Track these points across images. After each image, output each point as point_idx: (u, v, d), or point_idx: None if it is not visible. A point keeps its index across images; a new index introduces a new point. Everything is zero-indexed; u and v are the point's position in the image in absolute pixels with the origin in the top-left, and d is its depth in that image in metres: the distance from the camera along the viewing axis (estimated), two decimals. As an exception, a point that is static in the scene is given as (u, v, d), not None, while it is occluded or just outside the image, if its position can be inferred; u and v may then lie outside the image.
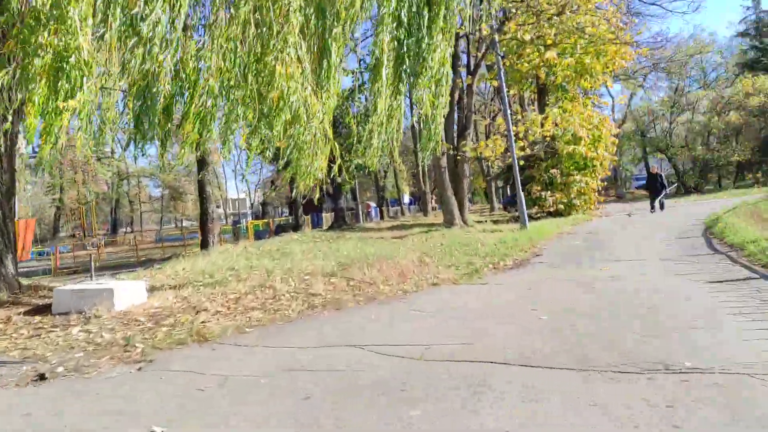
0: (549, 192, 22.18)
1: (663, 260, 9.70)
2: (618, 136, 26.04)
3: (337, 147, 7.08)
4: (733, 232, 11.96)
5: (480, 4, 15.61)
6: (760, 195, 28.64)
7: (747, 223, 15.03)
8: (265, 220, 41.93)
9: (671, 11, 28.09)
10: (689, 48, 40.13)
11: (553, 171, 22.44)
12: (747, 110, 34.87)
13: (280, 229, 29.80)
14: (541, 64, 21.08)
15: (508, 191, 44.89)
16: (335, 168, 7.26)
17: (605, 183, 23.74)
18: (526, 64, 21.08)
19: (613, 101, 40.59)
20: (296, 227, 28.37)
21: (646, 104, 42.48)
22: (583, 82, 22.44)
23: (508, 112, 17.87)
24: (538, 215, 22.51)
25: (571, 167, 22.94)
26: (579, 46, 21.16)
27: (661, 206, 22.06)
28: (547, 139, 21.42)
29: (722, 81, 40.95)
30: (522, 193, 17.60)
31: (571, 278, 8.56)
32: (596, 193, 23.35)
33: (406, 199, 68.08)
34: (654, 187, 22.48)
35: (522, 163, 19.11)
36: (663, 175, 24.08)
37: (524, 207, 17.16)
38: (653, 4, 19.47)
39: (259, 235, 26.12)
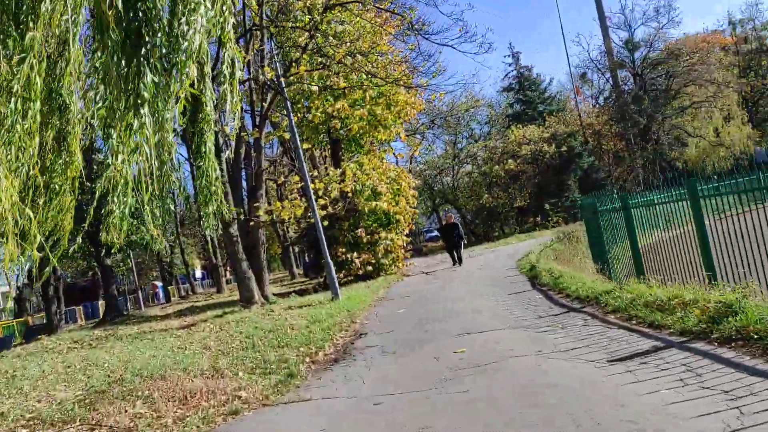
0: (355, 253, 20.25)
1: (521, 329, 7.86)
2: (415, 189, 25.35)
3: (33, 219, 3.98)
4: (571, 281, 10.78)
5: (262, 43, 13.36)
6: (547, 236, 29.91)
7: (562, 268, 14.33)
8: (22, 319, 34.49)
9: (463, 52, 28.61)
10: (461, 104, 42.40)
11: (357, 230, 20.62)
12: (522, 158, 37.21)
13: (32, 333, 23.80)
14: (334, 114, 19.40)
15: (306, 257, 42.77)
16: (29, 254, 4.13)
17: (409, 238, 22.53)
18: (319, 115, 19.25)
19: (396, 158, 41.14)
20: (51, 328, 22.71)
21: (430, 158, 43.80)
22: (377, 134, 21.23)
23: (305, 166, 15.65)
24: (346, 279, 20.40)
25: (375, 225, 21.40)
26: (369, 96, 19.96)
27: (459, 259, 20.81)
28: (349, 195, 19.62)
29: (495, 133, 43.89)
30: (329, 258, 15.29)
31: (425, 375, 6.22)
32: (403, 250, 22.02)
33: (198, 273, 62.56)
34: (451, 239, 21.10)
35: (325, 223, 16.93)
36: (459, 224, 22.80)
37: (334, 273, 14.84)
38: (444, 44, 18.90)
39: (1, 345, 20.34)
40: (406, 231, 22.18)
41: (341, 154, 21.98)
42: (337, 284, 14.76)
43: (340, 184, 20.14)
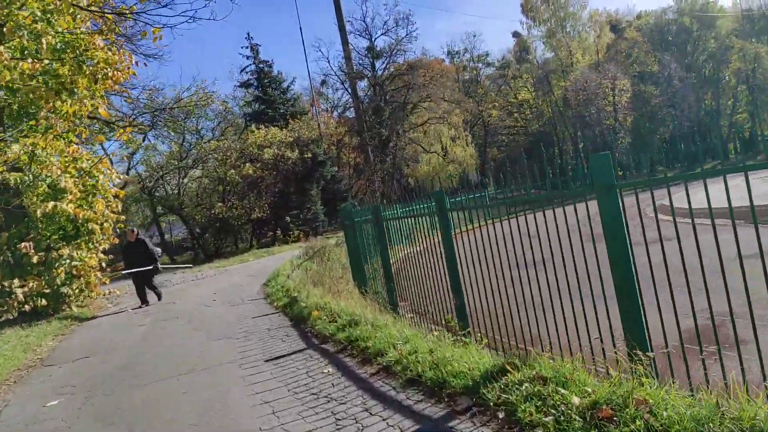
0: (16, 280, 13.11)
1: None
2: (123, 188, 18.73)
3: None
4: (377, 334, 6.11)
5: None
6: (289, 253, 25.46)
7: (336, 300, 9.71)
8: None
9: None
10: (191, 101, 35.92)
11: (23, 245, 13.43)
12: (263, 162, 32.21)
13: None
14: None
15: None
16: None
17: (110, 256, 15.84)
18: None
19: (108, 156, 33.24)
20: None
21: (150, 158, 36.33)
22: (60, 103, 14.29)
23: None
24: None
25: (56, 236, 14.50)
26: (46, 45, 13.21)
27: (155, 294, 14.66)
28: (11, 178, 12.49)
29: (231, 132, 38.11)
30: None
31: None
32: (99, 273, 15.23)
33: None
34: (136, 261, 14.27)
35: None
36: (148, 240, 15.50)
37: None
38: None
39: None
40: (105, 246, 15.47)
41: (1, 128, 14.49)
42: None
43: (-3, 174, 12.86)
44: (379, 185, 44.90)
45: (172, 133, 37.48)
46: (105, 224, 15.23)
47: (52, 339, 10.69)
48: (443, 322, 7.04)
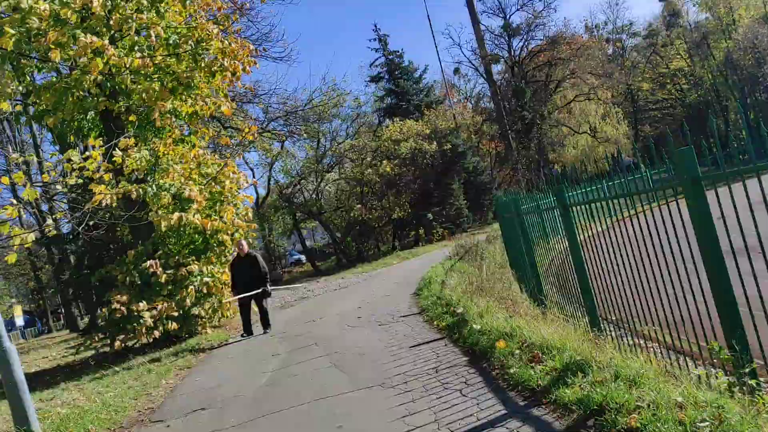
0: (143, 303, 11.69)
1: None
2: (267, 197, 17.17)
3: None
4: (652, 403, 3.28)
5: None
6: (436, 253, 23.05)
7: (519, 317, 6.94)
8: None
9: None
10: (323, 102, 34.62)
11: (149, 263, 12.04)
12: (400, 158, 30.08)
13: None
14: (87, 58, 10.83)
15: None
16: None
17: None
18: (56, 51, 10.58)
19: (242, 157, 32.94)
20: None
21: (287, 165, 35.60)
22: (178, 102, 12.80)
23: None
24: (127, 347, 11.89)
25: (186, 251, 13.06)
26: (158, 37, 11.69)
27: (265, 320, 11.83)
28: (134, 190, 11.09)
29: (364, 130, 36.46)
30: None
31: None
32: (231, 289, 13.56)
33: (20, 320, 49.03)
34: (243, 281, 11.79)
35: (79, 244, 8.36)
36: (259, 256, 12.50)
37: (20, 376, 6.32)
38: None
39: None
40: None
41: (120, 135, 13.29)
42: (29, 400, 6.29)
43: (118, 186, 11.53)
44: (524, 173, 41.26)
45: (306, 136, 36.58)
46: (236, 234, 13.58)
47: (174, 375, 8.94)
48: (689, 347, 4.26)
